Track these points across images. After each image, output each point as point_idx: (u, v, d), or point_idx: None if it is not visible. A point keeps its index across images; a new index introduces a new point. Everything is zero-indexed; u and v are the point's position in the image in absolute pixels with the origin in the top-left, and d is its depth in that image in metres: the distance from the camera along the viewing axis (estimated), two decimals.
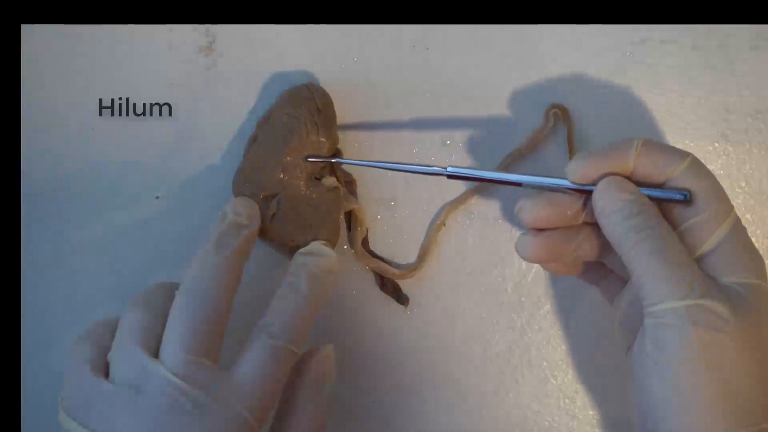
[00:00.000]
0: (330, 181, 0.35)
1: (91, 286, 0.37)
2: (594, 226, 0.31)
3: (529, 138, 0.37)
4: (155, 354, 0.28)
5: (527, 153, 0.37)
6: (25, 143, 0.37)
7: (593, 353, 0.37)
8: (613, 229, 0.29)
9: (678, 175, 0.29)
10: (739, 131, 0.37)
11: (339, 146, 0.36)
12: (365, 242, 0.37)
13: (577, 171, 0.30)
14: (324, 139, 0.34)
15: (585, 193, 0.30)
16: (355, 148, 0.37)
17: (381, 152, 0.37)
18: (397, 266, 0.37)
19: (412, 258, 0.38)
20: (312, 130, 0.34)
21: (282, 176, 0.33)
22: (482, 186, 0.37)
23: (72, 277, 0.37)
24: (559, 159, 0.37)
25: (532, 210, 0.31)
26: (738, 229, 0.29)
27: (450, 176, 0.33)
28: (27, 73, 0.37)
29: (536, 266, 0.37)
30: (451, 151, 0.37)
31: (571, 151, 0.37)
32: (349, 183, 0.37)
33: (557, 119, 0.37)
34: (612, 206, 0.29)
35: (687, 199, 0.29)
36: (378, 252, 0.37)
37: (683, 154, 0.29)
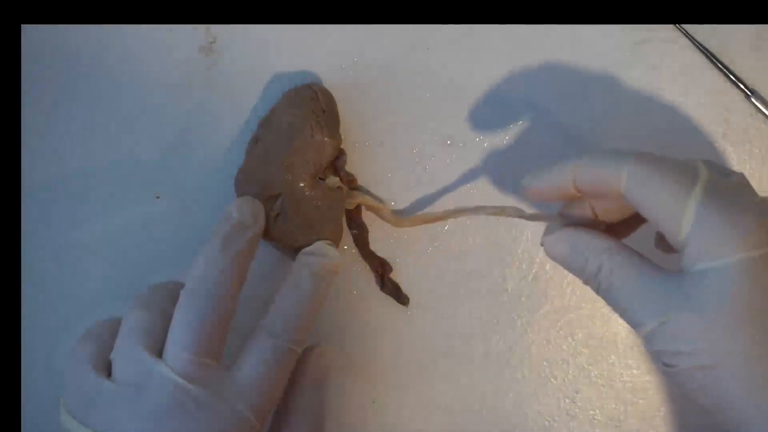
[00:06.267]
0: (333, 181, 0.35)
1: (91, 286, 0.37)
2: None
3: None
4: (158, 354, 0.28)
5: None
6: (25, 143, 0.37)
7: (593, 353, 0.37)
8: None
9: (626, 186, 0.27)
10: (739, 131, 0.37)
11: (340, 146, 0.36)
12: (365, 243, 0.37)
13: (534, 193, 0.30)
14: (328, 140, 0.34)
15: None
16: (355, 149, 0.37)
17: (381, 152, 0.37)
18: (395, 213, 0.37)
19: (412, 258, 0.37)
20: (316, 130, 0.34)
21: (286, 176, 0.33)
22: (482, 186, 0.37)
23: (72, 277, 0.37)
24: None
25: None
26: (709, 202, 0.25)
27: None
28: (27, 73, 0.37)
29: (536, 266, 0.37)
30: (452, 151, 0.37)
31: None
32: (351, 182, 0.37)
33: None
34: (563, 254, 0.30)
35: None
36: (378, 252, 0.37)
37: (620, 161, 0.27)
